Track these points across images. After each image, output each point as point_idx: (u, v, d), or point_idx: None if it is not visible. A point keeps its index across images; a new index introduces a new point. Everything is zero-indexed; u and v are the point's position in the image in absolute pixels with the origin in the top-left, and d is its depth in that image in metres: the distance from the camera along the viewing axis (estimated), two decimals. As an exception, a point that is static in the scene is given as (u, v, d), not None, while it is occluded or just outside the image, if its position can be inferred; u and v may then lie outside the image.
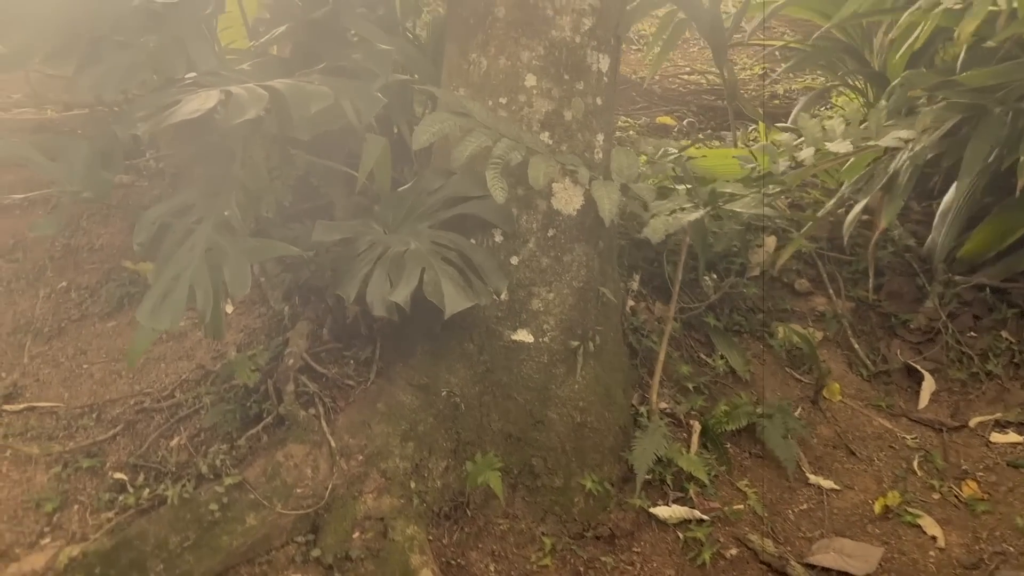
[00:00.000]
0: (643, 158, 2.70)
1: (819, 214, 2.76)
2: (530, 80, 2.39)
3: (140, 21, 2.47)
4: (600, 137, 2.50)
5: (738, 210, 2.08)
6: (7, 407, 2.41)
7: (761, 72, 5.65)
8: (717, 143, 4.23)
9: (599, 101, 2.47)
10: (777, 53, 5.92)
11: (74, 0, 2.48)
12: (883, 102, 2.41)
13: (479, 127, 2.14)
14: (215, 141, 2.34)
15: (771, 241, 3.24)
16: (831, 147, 2.20)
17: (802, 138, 2.48)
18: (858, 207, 2.62)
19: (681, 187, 2.60)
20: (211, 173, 2.21)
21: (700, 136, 4.32)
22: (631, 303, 2.89)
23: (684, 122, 4.62)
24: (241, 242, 2.01)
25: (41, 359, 2.59)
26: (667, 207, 2.13)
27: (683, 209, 2.06)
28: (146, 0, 2.44)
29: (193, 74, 2.27)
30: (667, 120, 4.61)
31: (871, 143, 2.15)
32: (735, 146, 3.75)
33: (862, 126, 2.40)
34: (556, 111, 2.40)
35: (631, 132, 4.45)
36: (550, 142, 2.38)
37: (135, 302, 2.75)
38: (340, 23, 2.61)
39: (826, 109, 4.63)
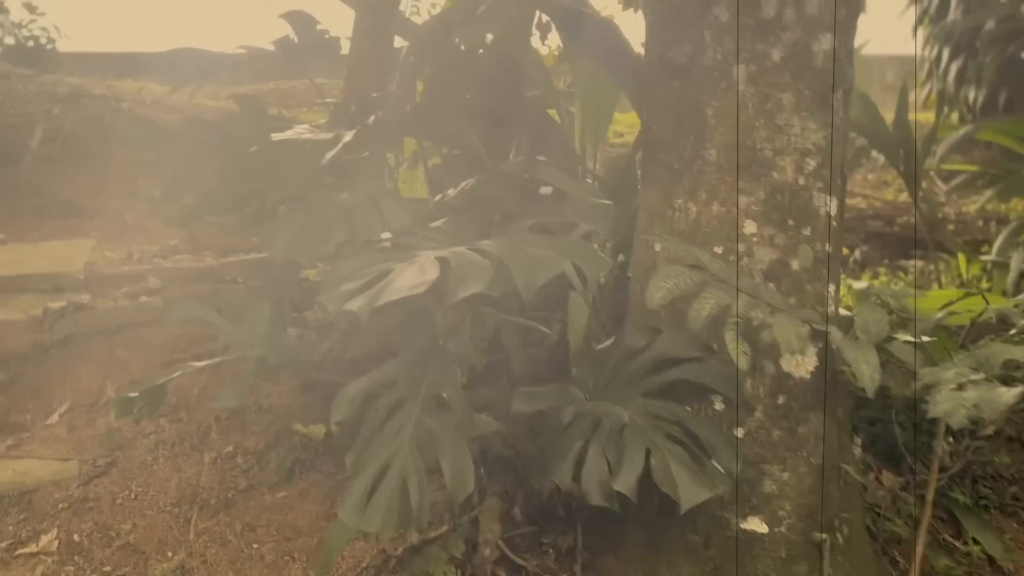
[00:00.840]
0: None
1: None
2: (750, 227, 2.13)
3: (327, 178, 2.39)
4: (832, 288, 2.19)
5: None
6: (174, 595, 2.20)
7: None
8: (902, 275, 3.85)
9: (828, 248, 2.19)
10: (933, 175, 5.56)
11: (256, 158, 2.43)
12: None
13: (714, 282, 1.87)
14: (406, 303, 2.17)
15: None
16: None
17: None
18: None
19: (909, 338, 2.25)
20: (408, 341, 2.02)
21: (883, 269, 3.94)
22: (858, 474, 2.48)
23: (856, 252, 4.26)
24: (452, 422, 1.77)
25: (208, 536, 2.38)
26: (946, 377, 1.77)
27: (974, 383, 1.70)
28: (335, 156, 2.36)
29: (387, 234, 2.13)
30: (836, 250, 4.27)
31: None
32: (938, 282, 3.36)
33: None
34: (781, 260, 2.13)
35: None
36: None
37: (306, 470, 2.55)
38: (528, 173, 2.46)
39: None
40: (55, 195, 5.08)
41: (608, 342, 2.27)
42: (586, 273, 1.77)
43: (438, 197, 2.54)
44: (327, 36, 2.91)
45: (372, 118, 2.39)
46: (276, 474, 2.55)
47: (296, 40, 2.76)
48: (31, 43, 10.57)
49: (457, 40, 2.77)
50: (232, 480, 2.57)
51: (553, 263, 1.70)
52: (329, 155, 2.31)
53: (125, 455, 2.72)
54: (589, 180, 2.88)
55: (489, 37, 2.76)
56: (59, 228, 4.62)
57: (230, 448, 2.68)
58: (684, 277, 1.83)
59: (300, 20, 2.68)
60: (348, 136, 2.36)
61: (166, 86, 8.40)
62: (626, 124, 6.18)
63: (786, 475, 2.07)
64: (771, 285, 2.10)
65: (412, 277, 1.67)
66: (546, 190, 2.64)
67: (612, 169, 2.90)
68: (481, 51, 2.76)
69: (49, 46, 10.51)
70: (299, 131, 2.56)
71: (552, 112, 2.88)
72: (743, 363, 1.79)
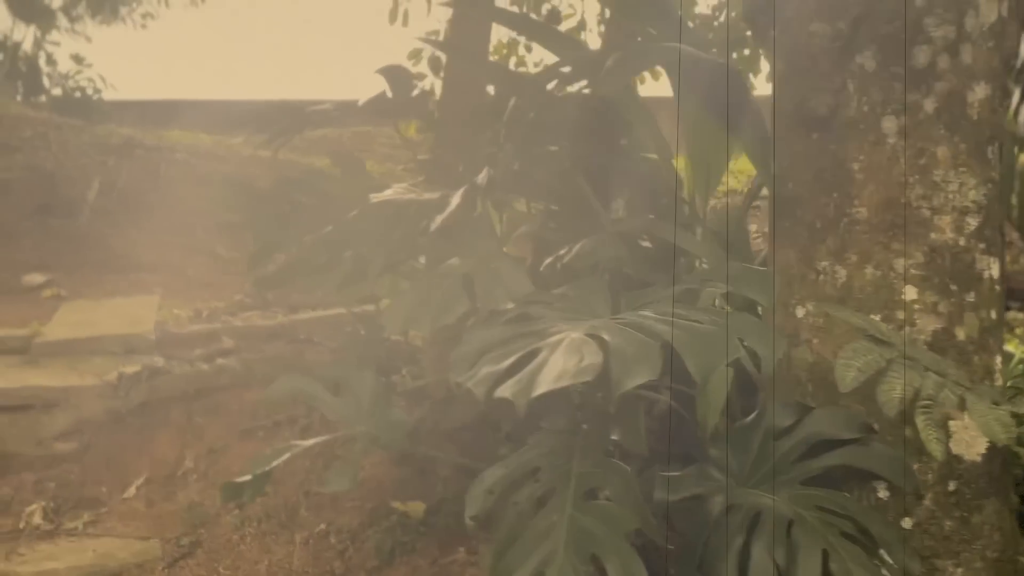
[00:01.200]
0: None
1: None
2: (909, 292, 1.94)
3: (433, 241, 2.25)
4: (998, 359, 1.99)
5: None
6: None
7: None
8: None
9: (993, 315, 1.99)
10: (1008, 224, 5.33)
11: (358, 220, 2.29)
12: None
13: (900, 358, 1.67)
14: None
15: None
16: None
17: None
18: None
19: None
20: (545, 423, 1.84)
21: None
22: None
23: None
24: (609, 516, 1.59)
25: (306, 628, 2.20)
26: None
27: None
28: (443, 219, 2.21)
29: (511, 304, 1.97)
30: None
31: None
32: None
33: None
34: (946, 330, 1.93)
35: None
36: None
37: (407, 552, 2.36)
38: (642, 230, 2.31)
39: None
40: (114, 248, 5.01)
41: (748, 419, 2.07)
42: (760, 353, 1.58)
43: (548, 260, 2.38)
44: (417, 90, 2.80)
45: (482, 176, 2.24)
46: (374, 557, 2.36)
47: (390, 95, 2.64)
48: (78, 94, 10.73)
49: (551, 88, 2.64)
50: (327, 562, 2.39)
51: (733, 347, 1.52)
52: (440, 218, 2.16)
53: (209, 533, 2.55)
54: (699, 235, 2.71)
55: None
56: (121, 283, 4.53)
57: (322, 527, 2.50)
58: (874, 354, 1.64)
59: (397, 75, 2.57)
60: (458, 197, 2.22)
61: (211, 135, 8.41)
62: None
63: (960, 571, 1.85)
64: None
65: (569, 361, 1.50)
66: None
67: (721, 222, 2.73)
68: (583, 101, 2.62)
69: (95, 96, 10.66)
70: (398, 190, 2.43)
71: (663, 163, 2.72)
72: (939, 452, 1.59)
